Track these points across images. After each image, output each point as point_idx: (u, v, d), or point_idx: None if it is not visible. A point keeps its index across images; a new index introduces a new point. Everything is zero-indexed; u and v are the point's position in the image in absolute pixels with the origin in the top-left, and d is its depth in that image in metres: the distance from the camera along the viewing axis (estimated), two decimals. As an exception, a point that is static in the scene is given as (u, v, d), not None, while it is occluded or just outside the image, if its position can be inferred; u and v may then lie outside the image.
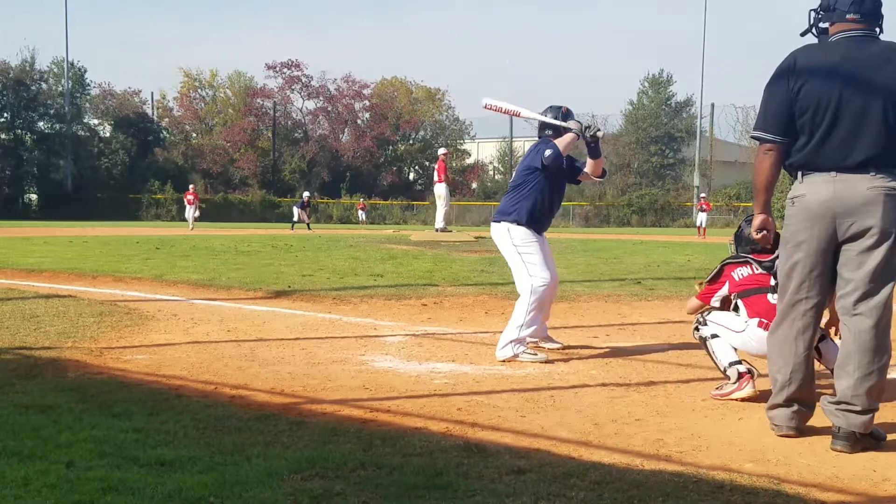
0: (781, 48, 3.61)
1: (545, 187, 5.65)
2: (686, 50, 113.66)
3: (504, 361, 5.44)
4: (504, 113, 6.08)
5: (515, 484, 2.94)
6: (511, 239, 5.64)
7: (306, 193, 35.73)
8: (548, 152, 5.52)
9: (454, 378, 4.92)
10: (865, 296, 3.52)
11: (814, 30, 3.68)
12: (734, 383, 4.44)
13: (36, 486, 2.80)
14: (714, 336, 4.63)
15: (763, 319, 4.35)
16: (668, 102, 55.03)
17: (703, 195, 37.75)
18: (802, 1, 3.70)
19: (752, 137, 3.77)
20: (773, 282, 4.39)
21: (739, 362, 4.48)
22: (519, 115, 5.99)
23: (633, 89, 62.08)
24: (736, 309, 4.63)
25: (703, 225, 32.24)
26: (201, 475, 2.93)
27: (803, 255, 3.62)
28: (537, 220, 5.71)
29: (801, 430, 3.72)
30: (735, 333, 4.54)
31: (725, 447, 3.53)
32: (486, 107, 6.00)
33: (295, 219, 32.11)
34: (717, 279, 4.74)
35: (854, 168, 3.51)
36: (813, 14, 3.66)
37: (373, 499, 2.78)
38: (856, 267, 3.53)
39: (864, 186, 3.49)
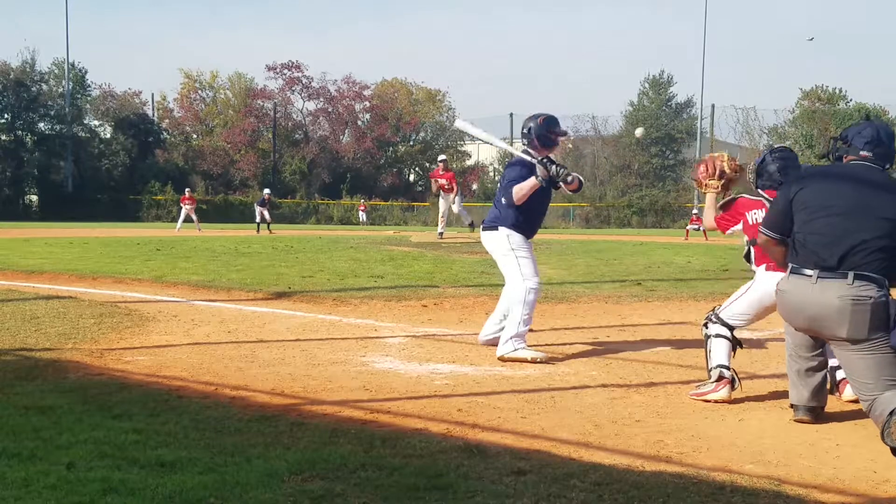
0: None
1: (533, 199, 5.76)
2: (686, 51, 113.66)
3: (504, 359, 5.45)
4: (474, 138, 6.25)
5: (516, 485, 2.94)
6: (510, 244, 5.80)
7: (267, 190, 32.48)
8: (504, 201, 5.78)
9: (454, 379, 4.92)
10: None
11: (831, 155, 4.02)
12: (712, 383, 4.48)
13: (36, 487, 2.80)
14: (718, 336, 4.66)
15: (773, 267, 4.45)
16: (669, 103, 54.99)
17: (695, 212, 37.20)
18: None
19: (759, 231, 4.15)
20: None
21: (728, 368, 4.52)
22: (490, 143, 6.13)
23: (633, 90, 62.16)
24: (747, 256, 4.77)
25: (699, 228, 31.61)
26: (202, 476, 2.94)
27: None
28: (531, 227, 5.94)
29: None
30: (748, 294, 4.65)
31: (726, 448, 3.53)
32: (457, 127, 6.14)
33: (258, 220, 29.65)
34: (728, 208, 4.85)
35: (831, 271, 3.70)
36: (832, 142, 4.02)
37: (373, 500, 2.78)
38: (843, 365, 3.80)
39: (836, 294, 3.65)
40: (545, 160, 5.70)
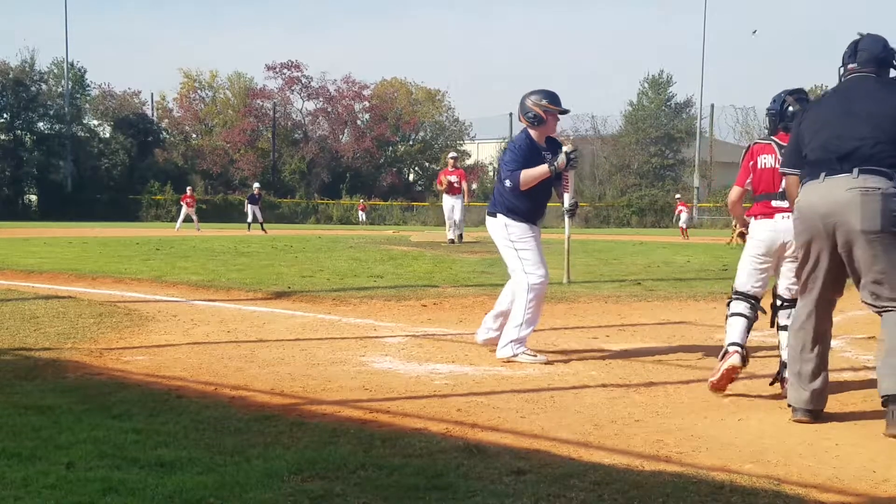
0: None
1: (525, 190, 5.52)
2: (686, 51, 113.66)
3: (504, 361, 5.44)
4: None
5: (515, 485, 2.94)
6: (508, 235, 5.57)
7: (256, 185, 31.56)
8: (508, 183, 5.49)
9: (454, 379, 4.92)
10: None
11: (841, 80, 4.11)
12: (721, 358, 4.54)
13: (36, 487, 2.80)
14: (733, 315, 4.70)
15: (761, 216, 4.72)
16: (668, 103, 54.99)
17: (678, 196, 37.24)
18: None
19: (780, 173, 4.39)
20: (783, 185, 4.55)
21: (740, 346, 4.54)
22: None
23: (632, 90, 62.10)
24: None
25: (685, 225, 31.66)
26: (201, 476, 2.94)
27: (803, 255, 4.00)
28: (534, 213, 5.64)
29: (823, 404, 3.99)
30: (745, 251, 4.79)
31: (725, 448, 3.53)
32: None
33: (249, 218, 29.10)
34: (745, 157, 4.97)
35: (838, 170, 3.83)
36: (842, 69, 4.11)
37: (373, 500, 2.78)
38: (863, 269, 3.79)
39: (844, 187, 3.76)
40: (572, 154, 5.52)
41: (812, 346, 3.98)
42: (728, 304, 4.79)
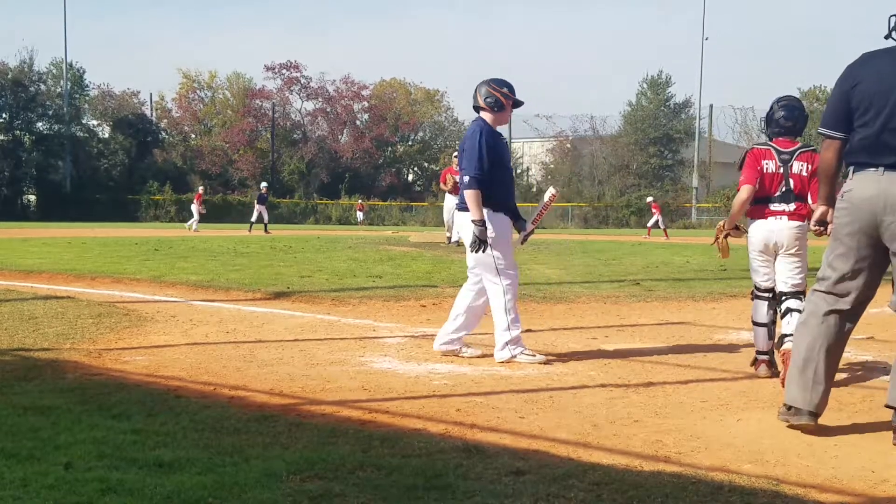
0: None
1: (494, 170, 5.41)
2: (685, 51, 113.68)
3: (503, 363, 5.43)
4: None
5: (514, 485, 2.94)
6: (489, 230, 5.36)
7: (264, 184, 30.43)
8: (465, 179, 5.37)
9: (453, 379, 4.92)
10: None
11: (894, 34, 3.68)
12: (753, 365, 5.14)
13: (35, 487, 2.79)
14: (754, 325, 5.16)
15: (758, 219, 5.00)
16: (667, 104, 55.00)
17: (649, 199, 36.97)
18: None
19: (818, 133, 3.93)
20: (781, 188, 4.89)
21: (764, 353, 5.08)
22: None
23: (631, 90, 62.10)
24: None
25: (653, 226, 31.53)
26: (200, 476, 2.93)
27: (845, 249, 3.70)
28: (501, 196, 5.51)
29: (821, 411, 3.76)
30: (751, 250, 5.07)
31: (724, 448, 3.53)
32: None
33: (254, 218, 28.33)
34: (745, 161, 5.08)
35: None
36: (893, 19, 3.67)
37: (372, 500, 2.77)
38: None
39: None
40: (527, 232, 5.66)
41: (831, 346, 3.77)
42: (752, 300, 5.23)
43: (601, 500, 2.82)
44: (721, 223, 5.39)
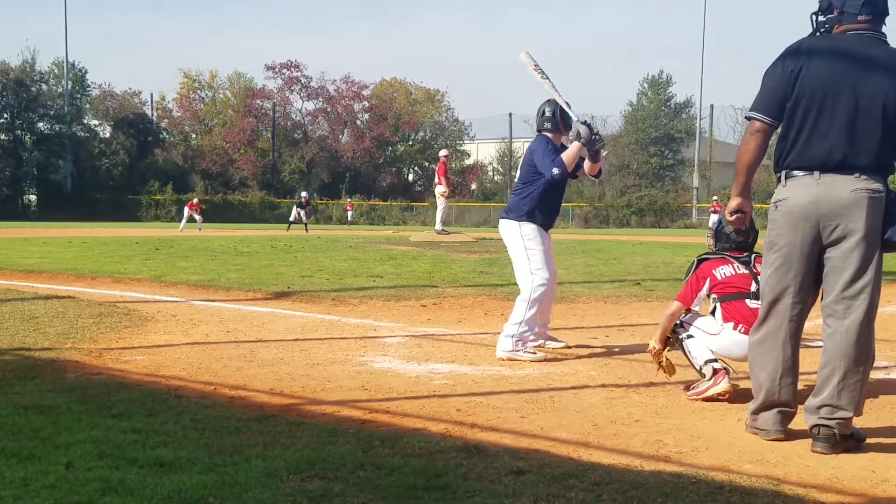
0: (780, 49, 3.60)
1: (551, 186, 5.75)
2: (685, 51, 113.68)
3: (503, 360, 5.45)
4: (535, 71, 5.89)
5: (515, 485, 2.94)
6: (522, 233, 5.75)
7: (304, 193, 35.44)
8: (556, 171, 5.58)
9: (453, 379, 4.92)
10: (849, 299, 3.46)
11: (819, 32, 3.58)
12: (709, 380, 4.43)
13: (35, 486, 2.80)
14: (690, 337, 4.63)
15: (741, 324, 4.38)
16: (668, 103, 55.02)
17: (714, 198, 36.81)
18: (802, 1, 3.70)
19: (745, 117, 3.68)
20: (753, 286, 4.43)
21: (715, 360, 4.49)
22: (544, 88, 5.90)
23: (632, 90, 62.08)
24: (713, 312, 4.63)
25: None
26: (200, 476, 2.93)
27: (786, 260, 3.58)
28: (546, 217, 5.86)
29: (788, 432, 3.67)
30: (712, 337, 4.55)
31: (725, 448, 3.53)
32: (522, 60, 5.92)
33: (292, 219, 31.47)
34: (692, 274, 4.68)
35: (838, 169, 3.45)
36: (812, 18, 3.57)
37: (372, 499, 2.77)
38: (840, 270, 3.48)
39: (847, 188, 3.43)
40: (585, 121, 5.68)
41: (798, 350, 3.70)
42: (674, 331, 4.76)
43: (601, 500, 2.81)
44: (651, 345, 4.83)
